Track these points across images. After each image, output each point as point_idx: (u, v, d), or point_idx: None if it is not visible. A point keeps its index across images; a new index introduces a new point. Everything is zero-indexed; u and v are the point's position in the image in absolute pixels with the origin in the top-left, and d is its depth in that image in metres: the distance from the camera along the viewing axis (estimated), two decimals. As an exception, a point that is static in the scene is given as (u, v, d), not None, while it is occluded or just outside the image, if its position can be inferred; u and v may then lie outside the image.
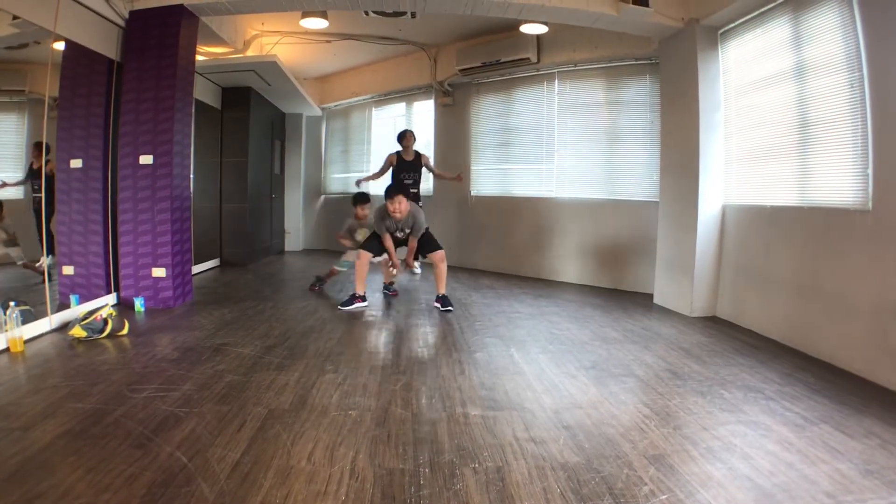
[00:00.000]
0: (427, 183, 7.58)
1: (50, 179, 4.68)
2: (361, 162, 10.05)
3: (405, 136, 7.30)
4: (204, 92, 7.51)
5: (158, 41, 5.08)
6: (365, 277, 5.50)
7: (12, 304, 3.72)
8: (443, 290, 5.45)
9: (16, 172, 4.73)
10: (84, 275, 5.01)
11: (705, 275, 5.28)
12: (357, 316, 5.00)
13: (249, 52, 7.58)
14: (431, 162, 7.68)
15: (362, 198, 6.25)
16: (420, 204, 7.36)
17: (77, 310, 4.51)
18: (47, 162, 4.58)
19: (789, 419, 2.84)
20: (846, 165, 3.81)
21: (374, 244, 5.54)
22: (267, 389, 3.11)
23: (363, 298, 5.42)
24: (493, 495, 2.05)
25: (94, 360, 3.55)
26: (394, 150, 7.31)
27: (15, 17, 4.07)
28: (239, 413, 2.77)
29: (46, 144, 4.57)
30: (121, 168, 5.07)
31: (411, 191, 7.17)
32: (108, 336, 4.10)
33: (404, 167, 7.20)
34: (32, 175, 4.66)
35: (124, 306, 5.08)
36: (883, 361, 3.41)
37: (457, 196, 8.35)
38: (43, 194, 4.58)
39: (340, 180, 10.64)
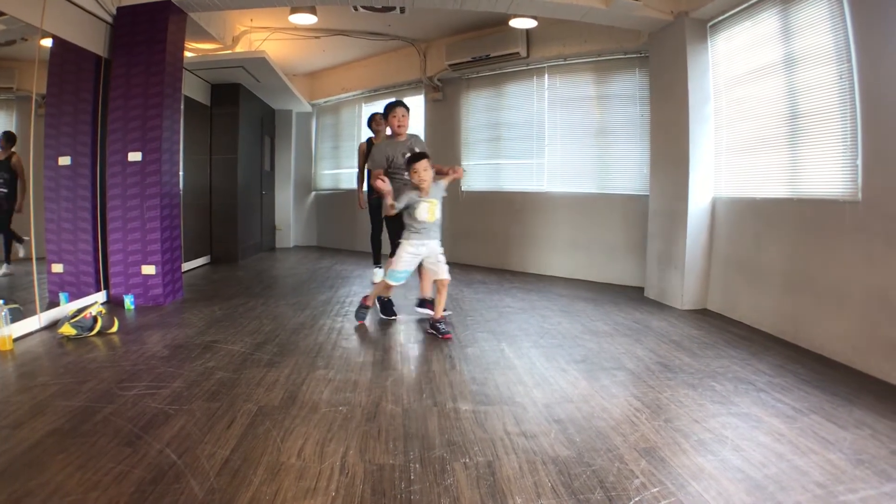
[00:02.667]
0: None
1: (14, 172, 4.58)
2: (352, 158, 10.01)
3: (374, 120, 6.46)
4: (193, 88, 7.47)
5: (146, 37, 5.05)
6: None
7: (1, 302, 3.69)
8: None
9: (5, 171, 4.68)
10: (73, 272, 4.97)
11: (696, 268, 5.30)
12: (347, 313, 4.98)
13: (238, 49, 7.54)
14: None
15: (418, 156, 4.34)
16: None
17: (66, 308, 4.48)
18: (13, 154, 4.50)
19: (780, 410, 2.85)
20: (836, 156, 3.83)
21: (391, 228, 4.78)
22: (257, 386, 3.10)
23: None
24: (484, 490, 2.05)
25: (83, 358, 3.53)
26: (364, 139, 6.68)
27: (1, 14, 4.03)
28: (229, 410, 2.75)
29: (13, 134, 4.50)
30: (109, 165, 5.04)
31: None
32: (98, 334, 4.07)
33: None
34: None
35: (114, 304, 5.05)
36: (873, 352, 3.43)
37: (447, 192, 8.30)
38: (32, 189, 4.51)
39: (331, 176, 10.61)
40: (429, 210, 4.22)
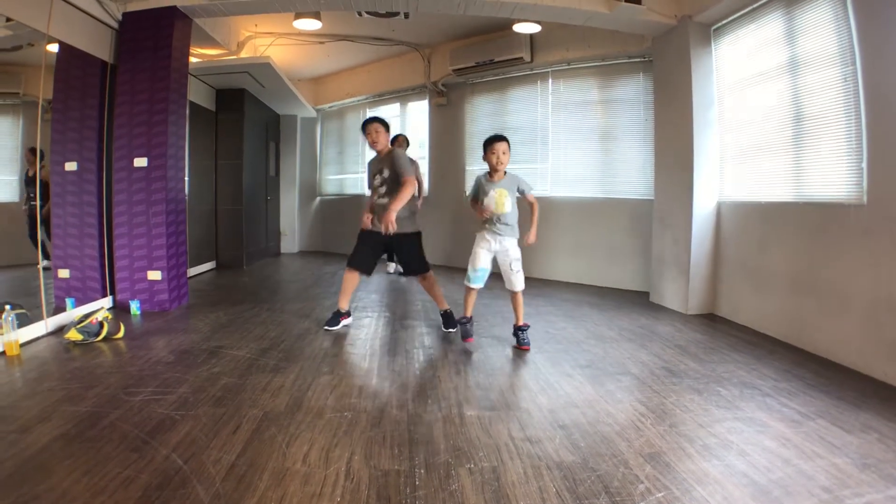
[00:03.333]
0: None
1: (45, 185, 4.66)
2: (356, 163, 10.05)
3: (396, 141, 7.18)
4: (198, 94, 7.49)
5: (152, 43, 5.08)
6: (350, 290, 4.66)
7: (8, 307, 3.71)
8: (444, 305, 4.68)
9: (11, 175, 4.71)
10: (80, 278, 4.99)
11: (701, 272, 5.29)
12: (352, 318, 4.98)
13: (243, 54, 7.57)
14: (421, 171, 7.68)
15: (500, 136, 4.13)
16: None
17: (73, 313, 4.50)
18: (42, 167, 4.56)
19: (786, 415, 2.84)
20: (840, 160, 3.82)
21: (364, 253, 4.60)
22: (262, 392, 3.11)
23: (348, 314, 4.75)
24: (489, 495, 2.05)
25: (89, 364, 3.54)
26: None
27: (8, 20, 4.06)
28: (234, 415, 2.76)
29: (41, 150, 4.54)
30: (115, 170, 5.06)
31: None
32: (104, 339, 4.09)
33: None
34: (28, 182, 4.65)
35: (120, 309, 5.07)
36: (879, 355, 3.42)
37: (451, 196, 8.34)
38: (38, 201, 4.54)
39: (336, 181, 10.64)
40: (496, 200, 4.00)
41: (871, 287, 3.51)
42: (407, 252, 4.60)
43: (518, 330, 4.15)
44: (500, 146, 4.03)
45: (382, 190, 4.48)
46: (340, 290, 4.65)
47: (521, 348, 4.06)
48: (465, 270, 4.24)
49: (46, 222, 4.73)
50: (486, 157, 4.11)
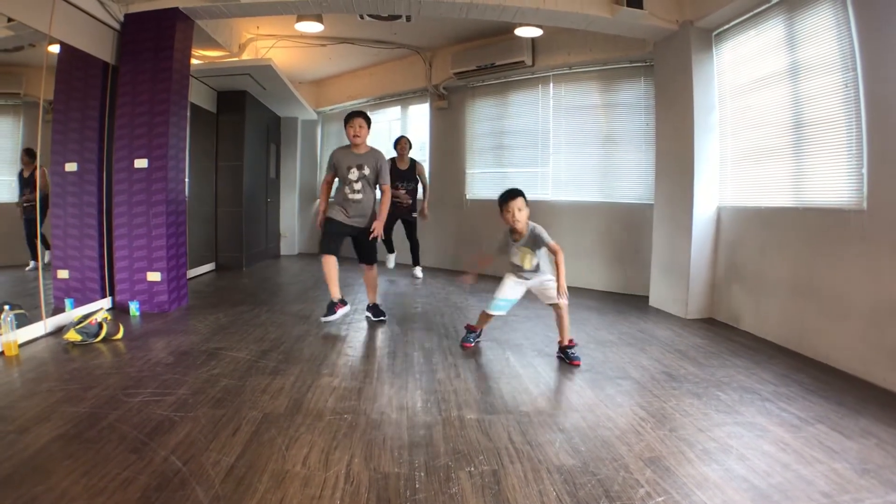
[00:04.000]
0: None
1: (40, 187, 4.66)
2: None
3: (399, 143, 7.28)
4: (199, 95, 7.50)
5: (153, 44, 5.08)
6: (335, 277, 4.75)
7: (7, 307, 3.70)
8: (375, 300, 5.03)
9: (11, 176, 4.71)
10: (79, 278, 4.99)
11: (701, 277, 5.29)
12: (351, 321, 4.97)
13: (245, 56, 7.57)
14: (426, 173, 7.71)
15: (513, 193, 3.89)
16: (414, 214, 7.33)
17: (72, 314, 4.50)
18: (35, 168, 4.56)
19: (785, 420, 2.84)
20: (841, 165, 3.83)
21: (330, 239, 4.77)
22: (262, 393, 3.10)
23: (344, 302, 4.81)
24: (489, 499, 2.05)
25: (88, 364, 3.54)
26: (388, 157, 7.05)
27: (10, 20, 4.06)
28: (234, 417, 2.76)
29: (33, 150, 4.54)
30: (116, 171, 5.06)
31: (407, 201, 7.14)
32: (103, 340, 4.08)
33: (398, 175, 7.11)
34: (23, 183, 4.65)
35: (119, 310, 5.07)
36: (879, 361, 3.42)
37: (452, 200, 8.34)
38: (38, 202, 4.54)
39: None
40: (521, 258, 3.90)
41: (872, 292, 3.51)
42: (369, 245, 4.92)
43: (566, 349, 3.90)
44: (515, 203, 3.81)
45: (358, 186, 4.71)
46: (326, 280, 4.76)
47: (573, 364, 3.80)
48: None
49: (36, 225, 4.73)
50: (502, 216, 3.92)
